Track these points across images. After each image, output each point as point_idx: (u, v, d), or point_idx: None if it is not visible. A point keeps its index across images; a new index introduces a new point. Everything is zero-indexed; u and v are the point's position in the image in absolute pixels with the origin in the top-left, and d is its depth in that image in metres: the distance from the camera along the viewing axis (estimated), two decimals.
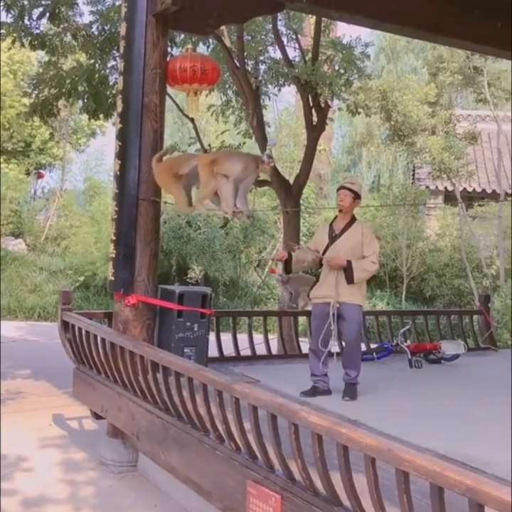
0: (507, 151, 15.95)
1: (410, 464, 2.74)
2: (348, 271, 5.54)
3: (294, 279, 7.14)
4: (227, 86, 10.41)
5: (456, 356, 7.53)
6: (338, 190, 5.83)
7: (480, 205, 15.56)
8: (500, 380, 6.85)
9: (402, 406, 5.58)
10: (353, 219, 5.80)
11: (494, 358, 8.30)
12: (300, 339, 8.03)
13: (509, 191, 15.92)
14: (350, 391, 5.68)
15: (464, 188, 15.89)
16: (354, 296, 5.66)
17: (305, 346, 7.91)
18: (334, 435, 3.13)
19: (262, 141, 10.06)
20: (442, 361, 7.50)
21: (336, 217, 5.90)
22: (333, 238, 5.73)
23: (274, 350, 7.82)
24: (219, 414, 4.07)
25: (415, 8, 6.29)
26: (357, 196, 5.74)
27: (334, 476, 3.24)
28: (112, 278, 5.96)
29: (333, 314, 5.57)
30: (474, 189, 17.14)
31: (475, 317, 9.22)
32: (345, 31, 13.62)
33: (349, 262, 5.55)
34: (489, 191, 16.99)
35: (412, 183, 18.23)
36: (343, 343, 6.07)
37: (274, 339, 7.89)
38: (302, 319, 9.16)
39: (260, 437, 3.73)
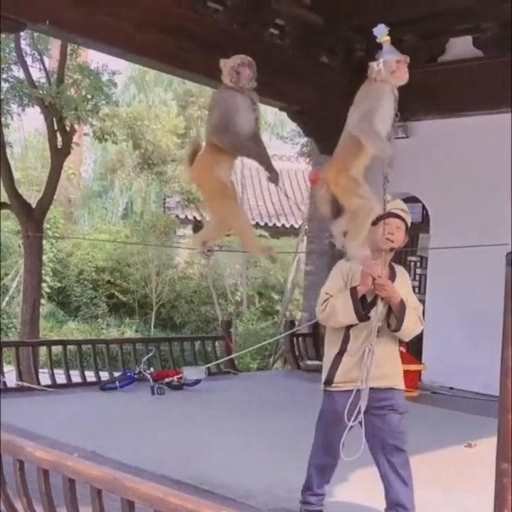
0: (249, 184, 16.89)
1: (134, 493, 2.73)
2: (400, 313, 3.72)
3: None
4: None
5: (197, 381, 7.71)
6: (382, 218, 3.75)
7: (227, 235, 16.22)
8: (238, 402, 7.17)
9: (140, 434, 5.56)
10: (391, 263, 3.95)
11: (235, 381, 8.64)
12: (40, 370, 7.70)
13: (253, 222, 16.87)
14: None
15: None
16: (399, 378, 3.86)
17: (44, 378, 7.57)
18: (60, 469, 3.03)
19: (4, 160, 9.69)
20: (184, 387, 7.64)
21: None
22: None
23: (11, 383, 7.40)
24: None
25: (155, 41, 6.45)
26: (407, 229, 3.90)
27: (63, 511, 3.13)
28: None
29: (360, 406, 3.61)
30: None
31: (217, 342, 9.56)
32: (94, 57, 13.54)
33: (403, 302, 3.76)
34: None
35: (164, 211, 18.54)
36: (386, 457, 3.68)
37: (11, 371, 7.47)
38: (42, 350, 8.79)
39: None
